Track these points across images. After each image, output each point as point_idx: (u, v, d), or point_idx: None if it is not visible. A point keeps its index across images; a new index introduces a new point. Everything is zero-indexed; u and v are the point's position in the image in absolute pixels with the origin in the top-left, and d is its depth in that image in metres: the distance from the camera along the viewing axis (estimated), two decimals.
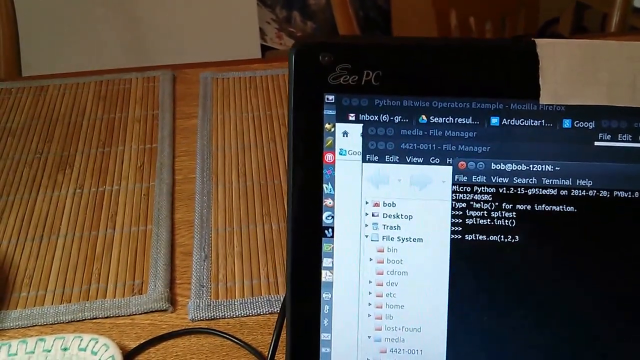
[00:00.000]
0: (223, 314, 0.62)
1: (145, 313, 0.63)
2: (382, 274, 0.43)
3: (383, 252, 0.43)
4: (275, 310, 0.63)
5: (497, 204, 0.42)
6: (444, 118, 0.42)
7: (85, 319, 0.63)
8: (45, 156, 0.80)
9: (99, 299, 0.64)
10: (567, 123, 0.41)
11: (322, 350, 0.44)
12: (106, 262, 0.68)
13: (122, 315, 0.63)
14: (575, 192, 0.41)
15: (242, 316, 0.63)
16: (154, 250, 0.68)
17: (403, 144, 0.42)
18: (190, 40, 1.89)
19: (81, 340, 0.59)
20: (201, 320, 0.62)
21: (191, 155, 0.80)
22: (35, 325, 0.62)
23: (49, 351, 0.58)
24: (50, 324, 0.62)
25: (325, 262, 0.43)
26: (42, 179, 0.78)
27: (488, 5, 1.46)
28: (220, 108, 0.87)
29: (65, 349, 0.59)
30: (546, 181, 0.42)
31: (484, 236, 0.42)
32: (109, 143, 0.82)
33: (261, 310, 0.63)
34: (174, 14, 1.88)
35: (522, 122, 0.41)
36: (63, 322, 0.62)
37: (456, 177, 0.42)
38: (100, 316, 0.63)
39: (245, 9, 1.98)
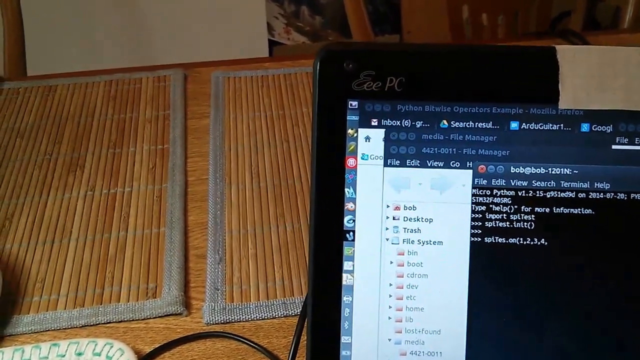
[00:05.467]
0: (238, 317, 0.65)
1: (159, 317, 0.66)
2: (403, 277, 0.46)
3: (403, 255, 0.46)
4: (291, 313, 0.65)
5: (516, 207, 0.45)
6: (464, 122, 0.45)
7: (99, 324, 0.65)
8: (55, 157, 0.83)
9: (112, 303, 0.67)
10: (585, 127, 0.44)
11: (343, 353, 0.47)
12: (119, 265, 0.71)
13: (137, 320, 0.66)
14: (593, 195, 0.44)
15: (257, 319, 0.65)
16: (167, 253, 0.71)
17: (424, 149, 0.45)
18: (197, 35, 1.92)
19: (95, 345, 0.61)
20: (216, 323, 0.65)
21: (204, 156, 0.84)
22: (49, 330, 0.65)
23: (63, 356, 0.61)
24: (64, 329, 0.65)
25: (346, 265, 0.46)
26: (52, 180, 0.81)
27: (500, 0, 1.49)
28: (232, 107, 0.90)
29: (79, 354, 0.61)
30: (564, 184, 0.44)
31: (503, 239, 0.45)
32: (120, 144, 0.85)
33: (277, 314, 0.66)
34: (181, 9, 1.91)
35: (541, 126, 0.44)
36: (77, 327, 0.65)
37: (476, 181, 0.45)
38: (114, 320, 0.66)
39: (253, 3, 2.01)
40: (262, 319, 0.66)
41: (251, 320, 0.66)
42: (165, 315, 0.66)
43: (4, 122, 0.89)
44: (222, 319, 0.65)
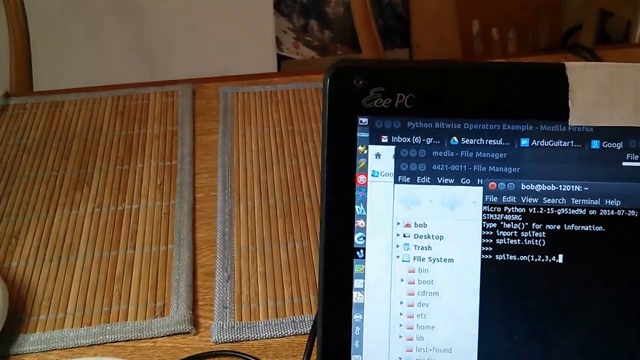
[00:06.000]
0: (247, 336, 0.66)
1: (167, 336, 0.67)
2: (413, 295, 0.47)
3: (414, 272, 0.46)
4: (301, 332, 0.66)
5: (527, 224, 0.45)
6: (474, 139, 0.45)
7: (106, 342, 0.66)
8: (62, 174, 0.85)
9: (120, 322, 0.68)
10: (595, 144, 0.45)
11: None
12: (127, 283, 0.71)
13: (145, 338, 0.66)
14: (603, 212, 0.45)
15: (266, 338, 0.66)
16: (175, 271, 0.72)
17: (435, 165, 0.46)
18: (206, 49, 1.94)
19: None
20: (225, 342, 0.66)
21: (212, 173, 0.84)
22: (55, 349, 0.65)
23: None
24: (71, 348, 0.66)
25: (357, 283, 0.47)
26: (59, 197, 0.82)
27: (511, 14, 1.51)
28: (241, 123, 0.92)
29: None
30: (575, 201, 0.45)
31: (514, 256, 0.46)
32: (128, 160, 0.86)
33: (286, 332, 0.66)
34: (188, 23, 1.93)
35: (551, 143, 0.45)
36: (83, 346, 0.66)
37: (487, 198, 0.46)
38: (122, 339, 0.66)
39: (262, 17, 2.03)
40: (271, 338, 0.66)
41: (260, 339, 0.66)
42: (174, 334, 0.67)
43: (10, 138, 0.91)
44: (230, 337, 0.66)
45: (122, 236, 0.76)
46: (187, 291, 0.70)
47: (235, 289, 0.70)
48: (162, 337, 0.67)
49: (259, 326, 0.67)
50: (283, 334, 0.66)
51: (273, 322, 0.67)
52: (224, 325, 0.67)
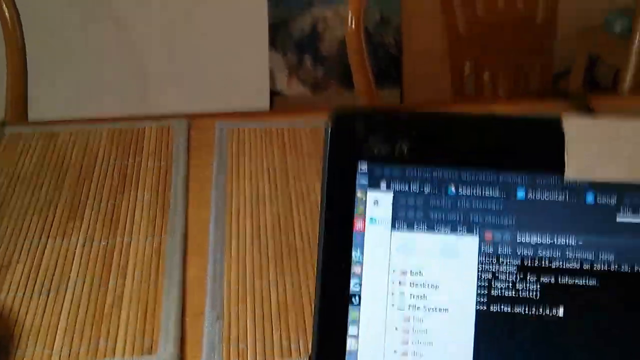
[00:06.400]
0: None
1: None
2: (407, 344, 0.46)
3: (409, 321, 0.46)
4: None
5: (522, 276, 0.46)
6: (471, 189, 0.46)
7: None
8: (55, 204, 0.84)
9: (107, 358, 0.67)
10: (590, 198, 0.45)
11: None
12: (115, 319, 0.71)
13: None
14: (597, 267, 0.45)
15: None
16: (164, 308, 0.72)
17: (432, 214, 0.46)
18: (199, 84, 1.94)
19: None
20: None
21: (205, 208, 0.84)
22: None
23: None
24: None
25: (351, 330, 0.46)
26: (50, 229, 0.81)
27: (503, 58, 1.53)
28: (235, 159, 0.92)
29: None
30: (569, 254, 0.45)
31: (509, 308, 0.46)
32: (121, 192, 0.86)
33: None
34: (183, 56, 1.94)
35: (547, 195, 0.45)
36: None
37: (482, 248, 0.46)
38: None
39: (256, 53, 2.04)
40: None
41: None
42: None
43: (4, 167, 0.90)
44: None
45: (112, 270, 0.76)
46: (176, 329, 0.70)
47: (224, 329, 0.70)
48: None
49: None
50: None
51: None
52: None
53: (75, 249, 0.79)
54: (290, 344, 0.68)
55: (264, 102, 2.03)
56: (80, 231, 0.81)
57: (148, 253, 0.78)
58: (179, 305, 0.72)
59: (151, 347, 0.68)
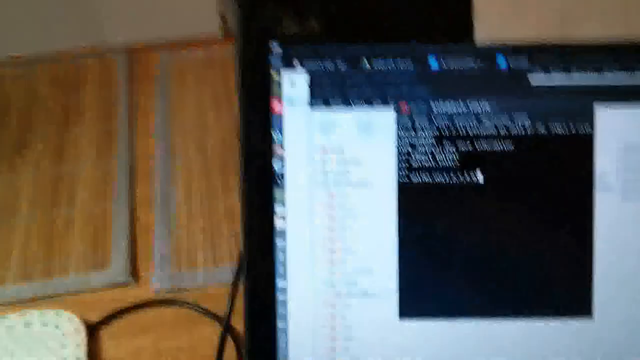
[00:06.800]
0: (187, 284, 0.66)
1: (108, 287, 0.67)
2: (334, 220, 0.47)
3: (333, 198, 0.47)
4: None
5: (440, 145, 0.46)
6: (385, 62, 0.46)
7: (47, 296, 0.66)
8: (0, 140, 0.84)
9: (61, 276, 0.68)
10: (502, 63, 0.46)
11: (279, 297, 0.48)
12: (67, 239, 0.72)
13: (85, 291, 0.67)
14: (514, 131, 0.46)
15: (206, 286, 0.66)
16: (115, 226, 0.72)
17: (348, 90, 0.47)
18: (144, 11, 1.88)
19: (44, 316, 0.63)
20: (166, 292, 0.66)
21: (150, 135, 0.84)
22: None
23: (13, 327, 0.62)
24: (13, 303, 0.66)
25: (278, 210, 0.47)
26: None
27: None
28: (179, 87, 0.91)
29: (28, 325, 0.62)
30: (485, 121, 0.46)
31: (429, 178, 0.47)
32: (66, 125, 0.85)
33: (226, 279, 0.66)
34: None
35: (460, 63, 0.46)
36: (25, 299, 0.66)
37: (400, 121, 0.46)
38: (63, 292, 0.67)
39: None
40: (212, 285, 0.67)
41: (201, 287, 0.67)
42: (114, 286, 0.67)
43: None
44: (170, 286, 0.66)
45: (61, 197, 0.76)
46: (127, 244, 0.70)
47: (175, 241, 0.71)
48: (102, 289, 0.67)
49: (199, 274, 0.67)
50: (223, 280, 0.66)
51: (213, 270, 0.67)
52: (164, 275, 0.67)
53: (24, 179, 0.78)
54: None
55: (213, 27, 1.98)
56: (28, 163, 0.80)
57: (96, 178, 0.78)
58: (129, 223, 0.73)
59: (104, 262, 0.69)
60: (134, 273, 0.68)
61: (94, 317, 0.64)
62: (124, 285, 0.67)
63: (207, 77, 0.93)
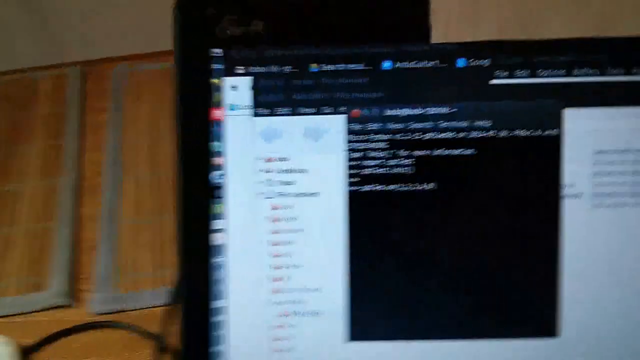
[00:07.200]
0: (130, 305, 0.62)
1: (46, 310, 0.63)
2: (278, 233, 0.43)
3: (278, 209, 0.43)
4: None
5: (393, 151, 0.43)
6: (335, 65, 0.42)
7: None
8: None
9: None
10: (461, 62, 0.42)
11: (218, 317, 0.44)
12: (6, 260, 0.67)
13: (22, 313, 0.63)
14: (474, 134, 0.42)
15: (150, 307, 0.62)
16: (56, 246, 0.68)
17: (295, 95, 0.43)
18: (101, 26, 1.85)
19: None
20: (107, 313, 0.62)
21: (100, 150, 0.79)
22: None
23: None
24: None
25: (218, 224, 0.43)
26: None
27: None
28: (133, 101, 0.87)
29: None
30: (443, 124, 0.42)
31: (382, 186, 0.43)
32: (14, 142, 0.81)
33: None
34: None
35: (415, 64, 0.42)
36: None
37: (350, 126, 0.43)
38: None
39: None
40: (157, 307, 0.62)
41: (144, 308, 0.62)
42: (53, 308, 0.63)
43: None
44: (113, 308, 0.62)
45: (3, 216, 0.71)
46: (67, 264, 0.66)
47: (118, 261, 0.66)
48: (40, 311, 0.63)
49: (143, 296, 0.63)
50: (166, 301, 0.62)
51: (158, 291, 0.63)
52: (106, 297, 0.63)
53: None
54: None
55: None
56: None
57: (41, 196, 0.74)
58: (70, 242, 0.68)
59: (42, 284, 0.64)
60: (75, 294, 0.64)
61: (31, 340, 0.60)
62: (63, 307, 0.63)
63: (162, 91, 0.89)
